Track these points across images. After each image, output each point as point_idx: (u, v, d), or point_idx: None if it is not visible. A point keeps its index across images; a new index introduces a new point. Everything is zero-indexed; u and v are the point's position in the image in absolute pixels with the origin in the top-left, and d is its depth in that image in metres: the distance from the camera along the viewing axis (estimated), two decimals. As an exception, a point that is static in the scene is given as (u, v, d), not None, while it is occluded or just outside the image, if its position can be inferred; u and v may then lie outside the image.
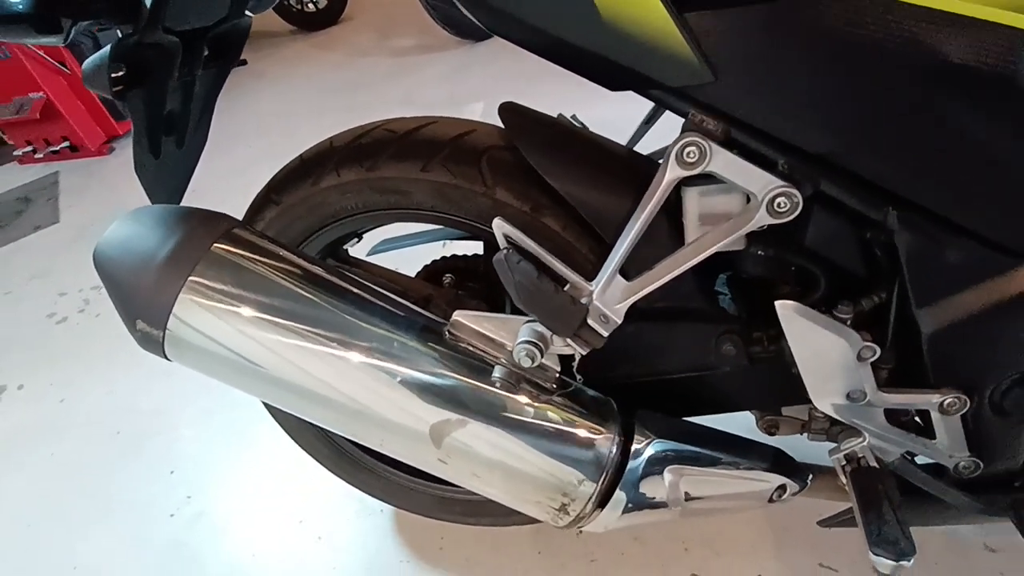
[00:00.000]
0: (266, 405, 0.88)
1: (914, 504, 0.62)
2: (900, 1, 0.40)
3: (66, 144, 2.65)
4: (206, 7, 0.68)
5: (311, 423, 0.77)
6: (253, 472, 1.18)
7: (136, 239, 0.50)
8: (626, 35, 0.44)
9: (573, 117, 0.80)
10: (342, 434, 0.59)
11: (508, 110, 0.64)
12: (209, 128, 0.83)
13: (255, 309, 0.50)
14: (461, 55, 2.95)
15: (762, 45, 0.43)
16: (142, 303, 0.49)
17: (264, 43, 3.80)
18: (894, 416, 0.58)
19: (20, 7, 0.52)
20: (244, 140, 2.57)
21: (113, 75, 0.62)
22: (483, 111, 2.39)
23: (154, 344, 0.50)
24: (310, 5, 3.70)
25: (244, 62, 3.48)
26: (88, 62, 0.62)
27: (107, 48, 0.60)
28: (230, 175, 2.30)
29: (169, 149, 0.75)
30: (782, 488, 0.64)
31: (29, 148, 2.70)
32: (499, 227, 0.51)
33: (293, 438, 0.93)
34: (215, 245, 0.50)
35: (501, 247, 0.51)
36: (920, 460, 0.62)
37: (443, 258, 0.83)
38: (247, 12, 0.78)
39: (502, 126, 0.63)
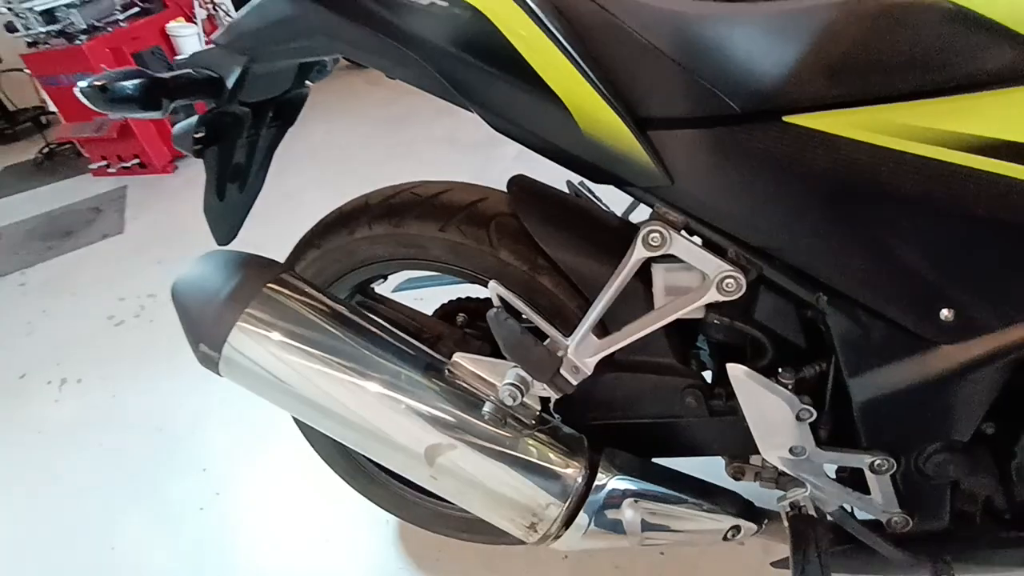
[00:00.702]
0: (295, 420, 1.00)
1: (851, 554, 0.69)
2: (801, 130, 0.51)
3: (136, 161, 2.91)
4: (273, 83, 0.82)
5: (332, 439, 0.89)
6: (276, 476, 1.30)
7: (204, 278, 0.64)
8: (602, 147, 0.55)
9: (581, 184, 0.91)
10: (354, 448, 0.70)
11: (516, 183, 0.75)
12: (266, 176, 0.96)
13: (294, 341, 0.62)
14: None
15: (706, 160, 0.54)
16: (205, 330, 0.61)
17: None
18: (844, 473, 0.66)
19: (130, 90, 0.67)
20: (296, 168, 2.77)
21: (195, 136, 0.76)
22: (517, 153, 2.53)
23: (212, 364, 0.62)
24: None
25: (300, 92, 3.75)
26: (178, 127, 0.76)
27: (195, 117, 0.74)
28: (282, 200, 2.50)
29: (232, 194, 0.88)
30: (736, 528, 0.71)
31: (103, 163, 2.97)
32: (493, 288, 0.62)
33: (316, 451, 1.05)
34: (267, 286, 0.63)
35: (494, 305, 0.62)
36: (861, 515, 0.70)
37: (457, 299, 0.95)
38: (307, 82, 0.92)
39: (511, 195, 0.74)
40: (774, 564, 0.77)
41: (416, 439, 0.63)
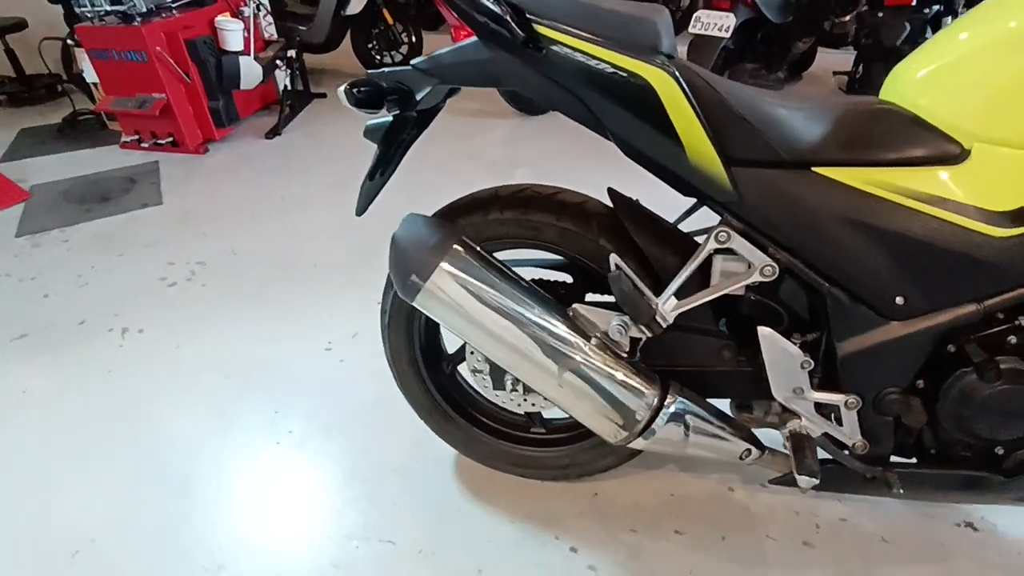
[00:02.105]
0: (390, 364, 1.25)
1: (826, 471, 1.00)
2: (828, 179, 0.83)
3: (170, 139, 3.07)
4: (433, 98, 1.09)
5: (418, 384, 1.15)
6: (345, 417, 1.53)
7: (416, 231, 0.90)
8: (700, 172, 0.85)
9: (637, 201, 1.22)
10: (505, 366, 0.97)
11: (613, 192, 1.05)
12: (397, 167, 1.21)
13: (475, 281, 0.89)
14: (517, 125, 3.46)
15: (764, 188, 0.85)
16: (416, 267, 0.88)
17: (342, 81, 4.30)
18: (820, 407, 0.97)
19: (365, 94, 0.93)
20: (331, 165, 3.00)
21: (385, 132, 1.03)
22: (532, 175, 2.85)
23: (413, 292, 0.89)
24: (388, 56, 4.24)
25: (324, 95, 3.98)
26: (372, 123, 1.03)
27: (389, 117, 1.01)
28: (324, 191, 2.73)
29: (376, 177, 1.14)
30: (748, 451, 1.02)
31: (135, 137, 3.11)
32: (613, 259, 0.91)
33: (405, 396, 1.29)
34: (459, 239, 0.91)
35: (612, 270, 0.91)
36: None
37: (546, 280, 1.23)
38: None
39: (605, 201, 1.04)
40: (772, 481, 1.07)
41: (551, 360, 0.91)
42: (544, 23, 0.84)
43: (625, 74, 0.80)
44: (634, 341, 0.95)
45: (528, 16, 0.84)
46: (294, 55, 3.52)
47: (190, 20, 2.99)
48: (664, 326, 0.91)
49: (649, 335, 0.92)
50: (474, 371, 1.18)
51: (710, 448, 0.99)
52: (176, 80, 2.96)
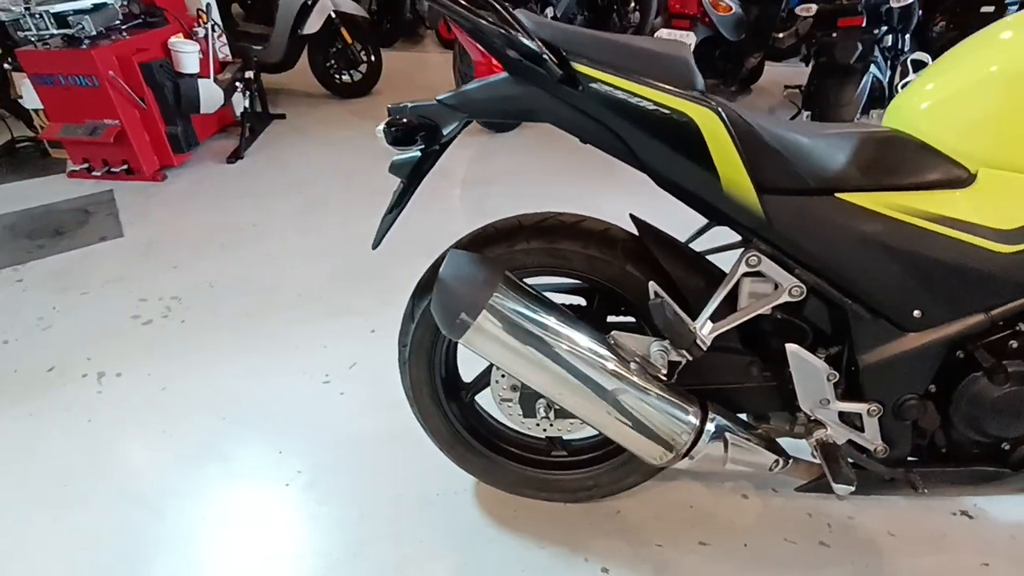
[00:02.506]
0: (410, 402, 1.24)
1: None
2: (851, 204, 0.88)
3: (124, 167, 2.91)
4: (452, 135, 1.10)
5: (440, 419, 1.15)
6: (355, 448, 1.49)
7: (461, 270, 0.90)
8: (733, 201, 0.89)
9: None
10: (553, 397, 0.97)
11: (635, 219, 1.08)
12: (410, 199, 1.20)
13: (524, 314, 0.90)
14: (485, 143, 3.48)
15: (792, 213, 0.90)
16: (465, 305, 0.88)
17: (300, 101, 4.22)
18: (844, 416, 1.02)
19: (401, 133, 0.93)
20: (299, 189, 2.93)
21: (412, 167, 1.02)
22: (508, 192, 2.87)
23: (462, 330, 0.88)
24: (348, 75, 4.18)
25: (283, 116, 3.88)
26: (400, 159, 1.02)
27: (417, 152, 1.01)
28: (294, 215, 2.65)
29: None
30: (776, 462, 1.06)
31: (85, 165, 2.94)
32: (653, 287, 0.94)
33: (424, 426, 1.28)
34: (503, 275, 0.91)
35: (652, 298, 0.94)
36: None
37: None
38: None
39: (625, 227, 1.07)
40: (799, 488, 1.12)
41: (599, 387, 0.92)
42: (581, 61, 0.86)
43: (668, 111, 0.83)
44: (672, 364, 0.98)
45: (565, 54, 0.86)
46: (252, 76, 3.41)
47: (143, 42, 2.86)
48: (704, 349, 0.94)
49: (690, 359, 0.95)
50: (502, 400, 1.18)
51: (745, 462, 1.03)
52: (131, 105, 2.81)
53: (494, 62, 1.03)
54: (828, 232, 0.91)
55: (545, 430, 1.22)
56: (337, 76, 4.17)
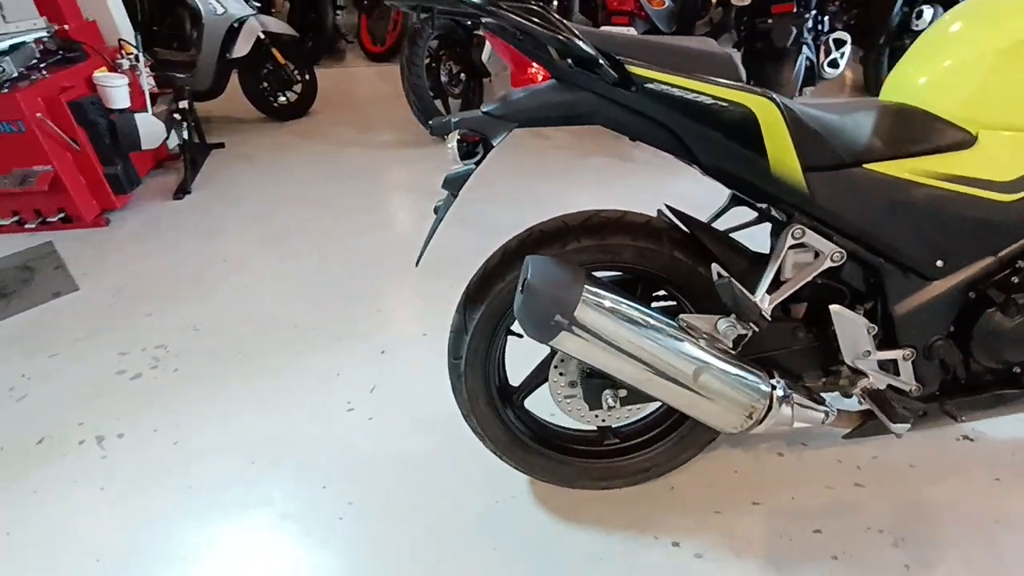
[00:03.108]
0: (463, 410, 1.24)
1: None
2: (877, 173, 0.99)
3: (61, 216, 2.69)
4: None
5: (499, 427, 1.17)
6: (400, 471, 1.47)
7: (548, 274, 0.92)
8: (780, 181, 0.97)
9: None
10: (640, 385, 1.02)
11: (672, 209, 1.15)
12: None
13: (608, 310, 0.93)
14: (439, 150, 3.48)
15: (831, 186, 0.99)
16: (561, 306, 0.90)
17: (237, 128, 4.03)
18: (882, 364, 1.13)
19: (469, 146, 0.94)
20: (259, 219, 2.81)
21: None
22: (483, 197, 2.89)
23: (556, 332, 0.91)
24: (284, 97, 4.04)
25: (222, 145, 3.69)
26: (455, 174, 1.03)
27: (471, 166, 1.02)
28: (259, 247, 2.55)
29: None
30: (826, 415, 1.15)
31: (15, 219, 2.68)
32: (716, 267, 1.00)
33: (482, 434, 1.28)
34: (585, 272, 0.95)
35: (717, 279, 1.00)
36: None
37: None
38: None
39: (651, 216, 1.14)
40: (846, 436, 1.22)
41: (683, 369, 0.97)
42: (635, 64, 0.91)
43: (726, 103, 0.90)
44: (738, 338, 1.05)
45: (618, 58, 0.91)
46: (187, 106, 3.23)
47: (67, 79, 2.65)
48: (769, 320, 1.01)
49: (757, 330, 1.02)
50: (565, 397, 1.21)
51: (806, 419, 1.11)
52: (63, 148, 2.60)
53: (529, 71, 1.06)
54: (861, 200, 1.01)
55: (604, 420, 1.27)
56: (273, 98, 4.03)
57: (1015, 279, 1.08)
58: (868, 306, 1.11)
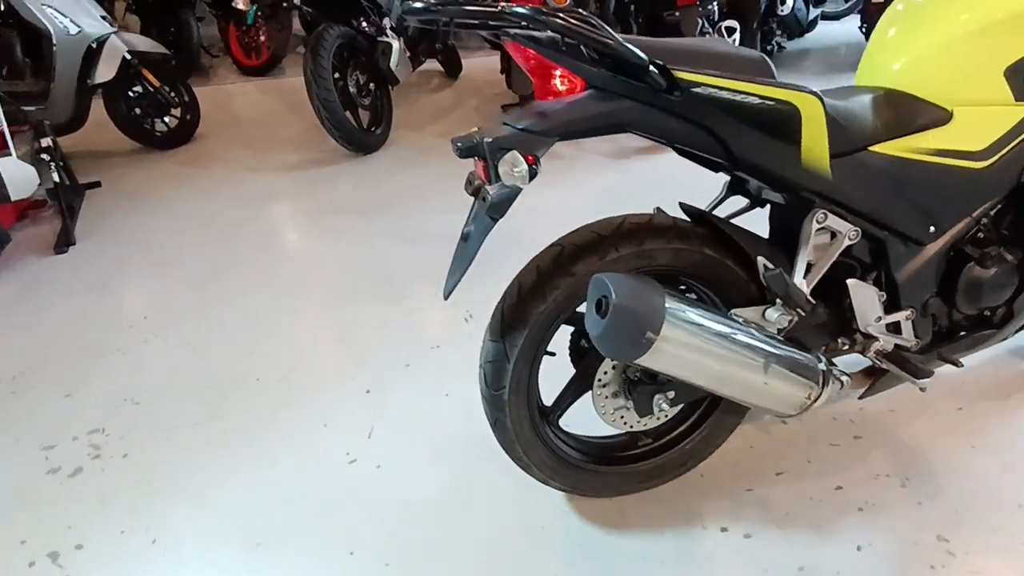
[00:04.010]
0: (508, 441, 1.19)
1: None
2: (880, 154, 1.07)
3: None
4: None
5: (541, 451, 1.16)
6: (432, 517, 1.37)
7: (631, 292, 0.89)
8: (808, 169, 1.02)
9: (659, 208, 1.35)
10: (716, 386, 1.02)
11: (688, 207, 1.17)
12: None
13: (687, 318, 0.93)
14: (359, 167, 3.30)
15: (848, 170, 1.06)
16: (650, 321, 0.88)
17: (111, 162, 3.53)
18: (889, 326, 1.24)
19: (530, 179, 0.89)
20: (169, 264, 2.49)
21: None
22: (417, 211, 2.78)
23: (646, 348, 0.88)
24: (162, 123, 3.59)
25: (98, 183, 3.21)
26: (500, 197, 0.96)
27: (520, 187, 0.96)
28: (178, 295, 2.25)
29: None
30: (842, 383, 1.24)
31: None
32: (761, 262, 1.03)
33: (527, 461, 1.23)
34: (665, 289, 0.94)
35: (764, 270, 1.03)
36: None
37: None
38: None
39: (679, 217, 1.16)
40: (861, 396, 1.33)
41: (754, 363, 0.99)
42: (681, 69, 0.91)
43: (772, 102, 0.92)
44: (785, 325, 1.09)
45: (665, 65, 0.90)
46: (51, 143, 2.77)
47: None
48: (813, 303, 1.07)
49: (803, 315, 1.07)
50: (616, 409, 1.20)
51: (849, 393, 1.19)
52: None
53: (552, 84, 1.02)
54: (870, 180, 1.09)
55: (646, 424, 1.27)
56: (150, 125, 3.57)
57: (987, 235, 1.22)
58: (874, 276, 1.21)
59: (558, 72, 0.99)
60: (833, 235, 1.12)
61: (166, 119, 3.61)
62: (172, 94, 3.59)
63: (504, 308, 1.14)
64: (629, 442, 1.38)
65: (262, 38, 5.20)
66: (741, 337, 1.00)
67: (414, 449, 1.56)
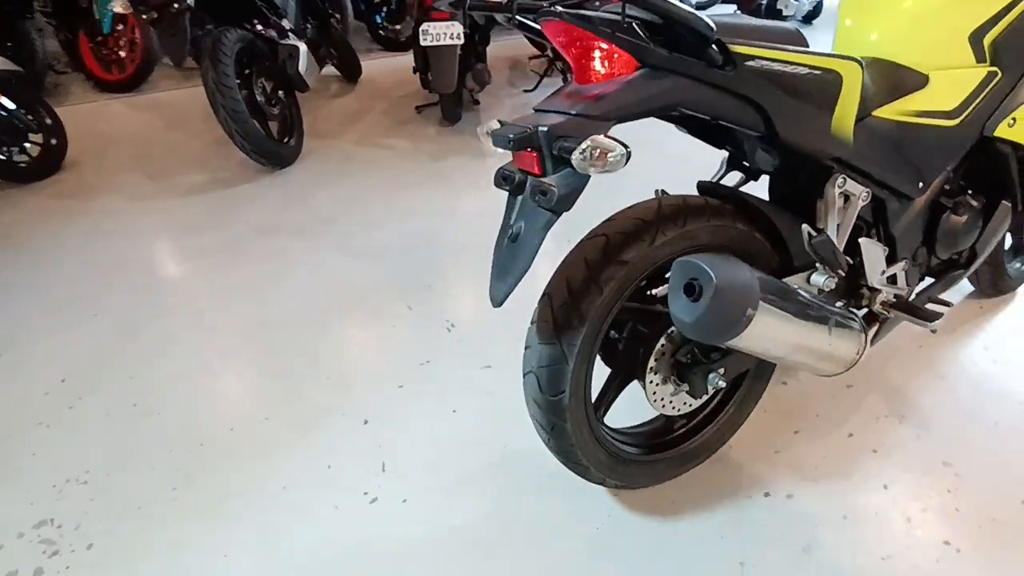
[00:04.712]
0: (568, 447, 1.14)
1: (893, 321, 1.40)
2: (881, 118, 1.15)
3: None
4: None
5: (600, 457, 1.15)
6: (483, 545, 1.27)
7: (725, 269, 0.87)
8: (835, 138, 1.06)
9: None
10: (792, 356, 1.04)
11: (705, 183, 1.18)
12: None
13: (773, 294, 0.93)
14: (279, 183, 3.03)
15: (860, 137, 1.12)
16: (749, 300, 0.86)
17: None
18: (890, 278, 1.34)
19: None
20: (87, 315, 2.11)
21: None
22: (366, 218, 2.60)
23: (745, 326, 0.87)
24: (20, 153, 3.04)
25: (-49, 230, 2.65)
26: (571, 188, 0.90)
27: (588, 175, 0.91)
28: (110, 347, 1.92)
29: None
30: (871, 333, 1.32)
31: None
32: (805, 229, 1.06)
33: (585, 463, 1.18)
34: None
35: (810, 238, 1.06)
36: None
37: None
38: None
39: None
40: (872, 344, 1.42)
41: (821, 328, 1.02)
42: (735, 43, 0.90)
43: (819, 71, 0.94)
44: (824, 288, 1.14)
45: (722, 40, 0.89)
46: None
47: None
48: (851, 263, 1.12)
49: (843, 275, 1.12)
50: (673, 393, 1.18)
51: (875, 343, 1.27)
52: None
53: (592, 66, 0.97)
54: (877, 142, 1.16)
55: (692, 405, 1.27)
56: (6, 156, 3.01)
57: (956, 186, 1.36)
58: (875, 233, 1.30)
59: (597, 54, 0.93)
60: (847, 198, 1.19)
61: (27, 146, 3.07)
62: (30, 117, 3.05)
63: (554, 308, 1.08)
64: (667, 426, 1.38)
65: (123, 51, 4.61)
66: (811, 304, 1.02)
67: (436, 475, 1.45)
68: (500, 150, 1.01)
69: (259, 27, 3.11)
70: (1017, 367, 1.69)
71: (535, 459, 1.45)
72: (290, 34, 3.16)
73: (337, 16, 4.81)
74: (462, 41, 3.07)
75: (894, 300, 1.33)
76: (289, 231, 2.59)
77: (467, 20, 3.08)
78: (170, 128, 3.84)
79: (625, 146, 0.82)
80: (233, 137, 2.76)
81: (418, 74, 3.58)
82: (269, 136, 3.01)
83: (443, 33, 3.04)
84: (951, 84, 1.25)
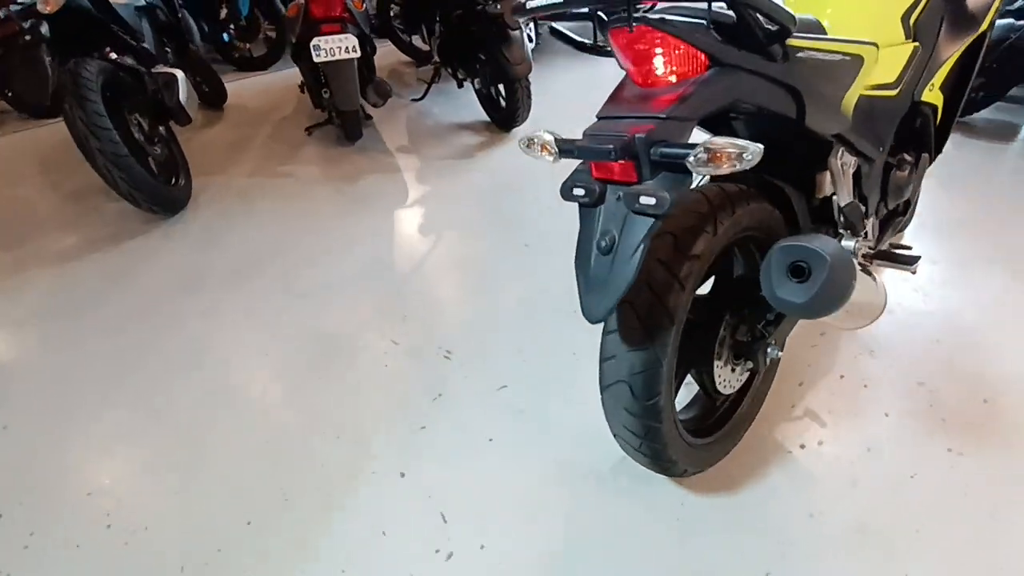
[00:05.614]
0: (659, 445, 1.15)
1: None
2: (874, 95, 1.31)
3: None
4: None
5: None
6: (578, 568, 1.24)
7: (827, 245, 0.91)
8: (842, 115, 1.18)
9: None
10: (856, 314, 1.13)
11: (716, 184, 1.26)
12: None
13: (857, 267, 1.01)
14: (177, 230, 2.65)
15: (857, 113, 1.25)
16: (852, 271, 0.93)
17: None
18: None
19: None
20: (59, 392, 1.67)
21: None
22: (344, 235, 2.36)
23: (848, 298, 0.93)
24: None
25: None
26: (660, 200, 0.90)
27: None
28: (73, 434, 1.55)
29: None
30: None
31: None
32: (836, 201, 1.17)
33: (673, 459, 1.20)
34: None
35: (843, 208, 1.17)
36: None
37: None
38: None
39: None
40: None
41: (875, 283, 1.13)
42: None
43: (849, 57, 1.04)
44: (848, 250, 1.26)
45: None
46: None
47: None
48: (868, 227, 1.25)
49: (866, 238, 1.25)
50: (742, 372, 1.24)
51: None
52: None
53: (651, 67, 0.97)
54: (858, 115, 1.31)
55: (741, 382, 1.35)
56: None
57: (896, 145, 1.58)
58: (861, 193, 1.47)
59: (661, 56, 0.93)
60: (844, 167, 1.33)
61: None
62: None
63: (638, 312, 1.08)
64: (710, 405, 1.44)
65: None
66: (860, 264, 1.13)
67: (499, 509, 1.37)
68: (564, 160, 0.99)
69: (112, 55, 2.67)
70: (941, 294, 2.00)
71: (589, 466, 1.44)
72: (159, 62, 2.75)
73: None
74: (359, 54, 2.90)
75: (874, 251, 1.52)
76: (215, 283, 2.27)
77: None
78: (8, 184, 3.16)
79: (757, 144, 0.84)
80: (117, 185, 2.34)
81: (307, 93, 3.32)
82: (156, 179, 2.61)
83: (338, 47, 2.85)
84: (892, 59, 1.44)
